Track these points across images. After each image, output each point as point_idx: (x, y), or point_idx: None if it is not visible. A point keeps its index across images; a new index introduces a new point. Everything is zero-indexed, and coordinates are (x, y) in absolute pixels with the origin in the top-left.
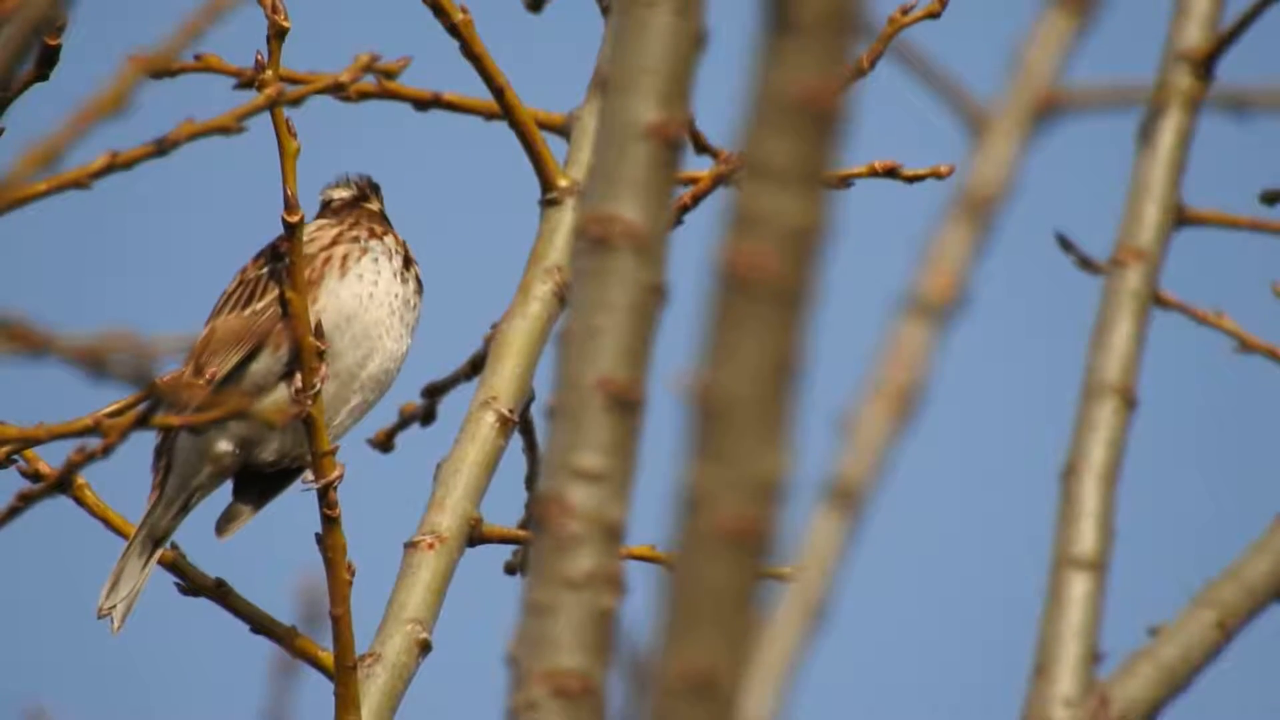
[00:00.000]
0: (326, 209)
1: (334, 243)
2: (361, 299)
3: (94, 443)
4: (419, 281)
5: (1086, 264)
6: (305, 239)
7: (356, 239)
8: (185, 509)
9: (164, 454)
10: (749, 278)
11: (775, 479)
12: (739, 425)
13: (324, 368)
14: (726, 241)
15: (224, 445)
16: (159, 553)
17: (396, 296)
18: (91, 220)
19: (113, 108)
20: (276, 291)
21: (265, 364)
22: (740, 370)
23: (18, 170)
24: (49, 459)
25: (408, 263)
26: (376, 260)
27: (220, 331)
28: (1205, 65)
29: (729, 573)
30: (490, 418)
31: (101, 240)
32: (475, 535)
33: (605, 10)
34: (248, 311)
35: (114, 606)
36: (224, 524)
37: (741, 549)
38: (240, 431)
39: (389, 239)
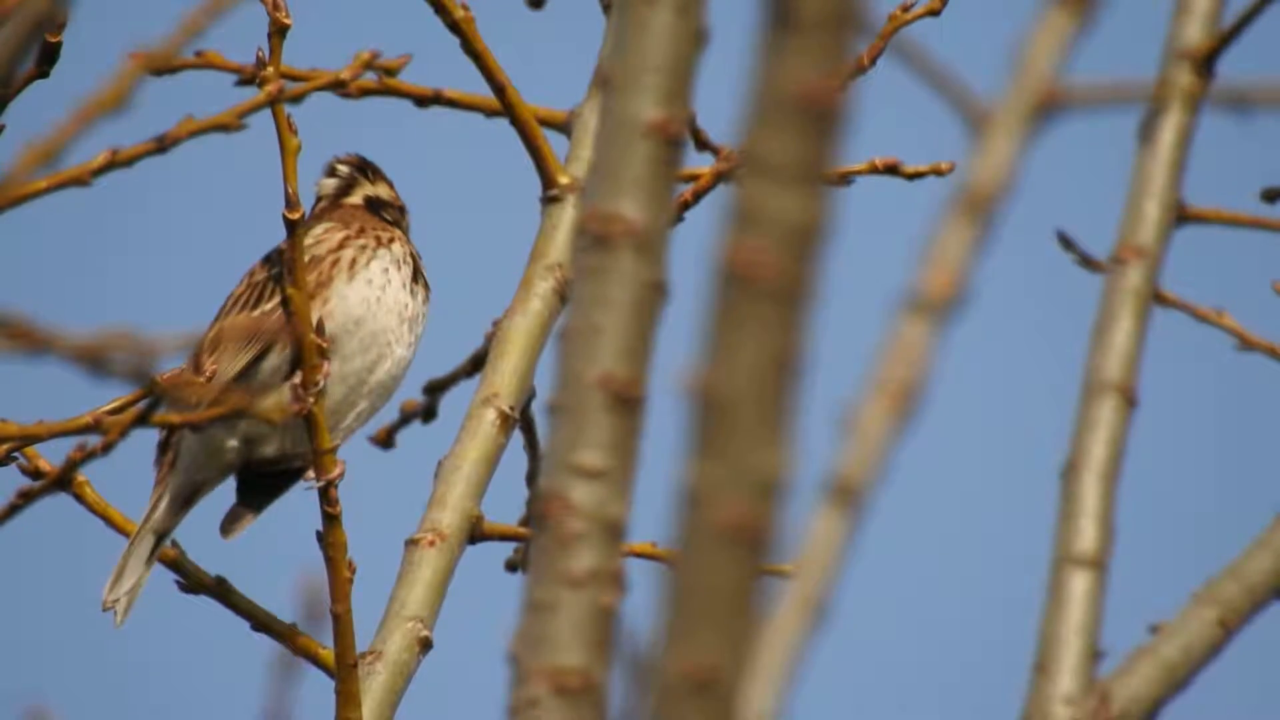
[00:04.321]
0: (319, 203)
1: (341, 245)
2: (369, 303)
3: (94, 440)
4: (427, 293)
5: (1087, 262)
6: (313, 241)
7: (364, 246)
8: (188, 505)
9: (168, 450)
10: (749, 275)
11: (776, 476)
12: (740, 422)
13: (326, 365)
14: (727, 239)
15: (229, 442)
16: (161, 548)
17: (406, 307)
18: (92, 218)
19: (113, 105)
20: (277, 300)
21: (273, 364)
22: (741, 367)
23: (19, 168)
24: (49, 456)
25: (416, 275)
26: (386, 270)
27: (228, 331)
28: (1206, 63)
29: (729, 570)
30: (491, 415)
31: (102, 238)
32: (476, 532)
33: (606, 8)
34: (256, 313)
35: (117, 600)
36: (229, 525)
37: (742, 546)
38: (244, 429)
39: (396, 246)
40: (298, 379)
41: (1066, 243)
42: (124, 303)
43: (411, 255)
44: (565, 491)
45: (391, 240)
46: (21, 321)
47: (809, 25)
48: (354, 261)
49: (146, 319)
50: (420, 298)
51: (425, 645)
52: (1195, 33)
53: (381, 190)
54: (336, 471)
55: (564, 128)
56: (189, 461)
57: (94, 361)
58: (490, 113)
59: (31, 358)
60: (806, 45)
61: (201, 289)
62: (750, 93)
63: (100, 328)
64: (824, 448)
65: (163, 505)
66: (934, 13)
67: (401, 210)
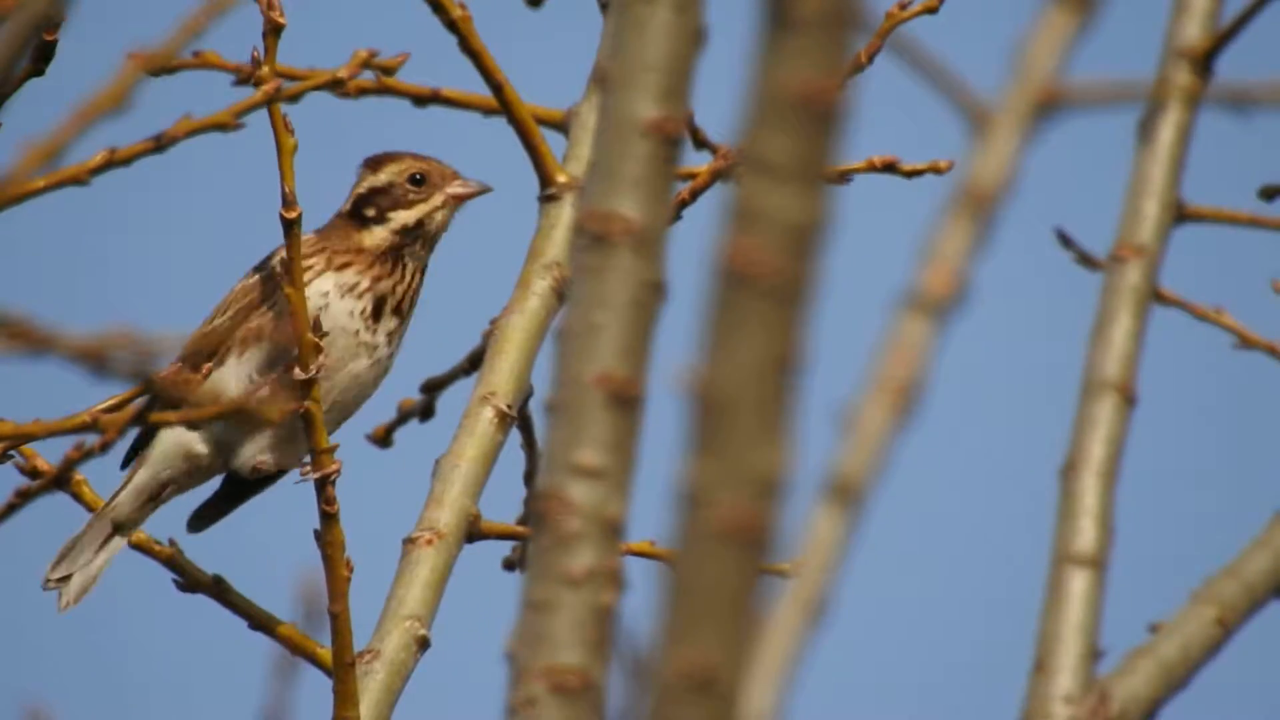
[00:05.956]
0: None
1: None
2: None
3: (91, 439)
4: (398, 325)
5: (1086, 260)
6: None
7: (310, 267)
8: (153, 501)
9: (145, 442)
10: (748, 273)
11: (775, 475)
12: (739, 421)
13: (320, 359)
14: (726, 237)
15: (199, 446)
16: (120, 541)
17: (356, 334)
18: (90, 217)
19: (113, 105)
20: (248, 299)
21: (232, 369)
22: (740, 366)
23: (19, 168)
24: (47, 455)
25: (378, 313)
26: (326, 293)
27: (191, 340)
28: (1205, 62)
29: (729, 569)
30: (489, 413)
31: (101, 237)
32: (474, 531)
33: (603, 6)
34: (217, 320)
35: (63, 580)
36: (197, 521)
37: (741, 545)
38: (216, 433)
39: (349, 273)
40: (296, 373)
41: (1065, 241)
42: (122, 302)
43: (373, 289)
44: (564, 490)
45: (345, 265)
46: (23, 321)
47: (808, 24)
48: None
49: (144, 318)
50: (380, 331)
51: (423, 644)
52: (1194, 31)
53: (382, 176)
54: (333, 468)
55: (562, 126)
56: (158, 458)
57: (95, 361)
58: (488, 111)
59: (32, 357)
60: (805, 44)
61: (200, 288)
62: (749, 91)
63: (101, 327)
64: (823, 446)
65: (125, 495)
66: (931, 10)
67: (417, 180)
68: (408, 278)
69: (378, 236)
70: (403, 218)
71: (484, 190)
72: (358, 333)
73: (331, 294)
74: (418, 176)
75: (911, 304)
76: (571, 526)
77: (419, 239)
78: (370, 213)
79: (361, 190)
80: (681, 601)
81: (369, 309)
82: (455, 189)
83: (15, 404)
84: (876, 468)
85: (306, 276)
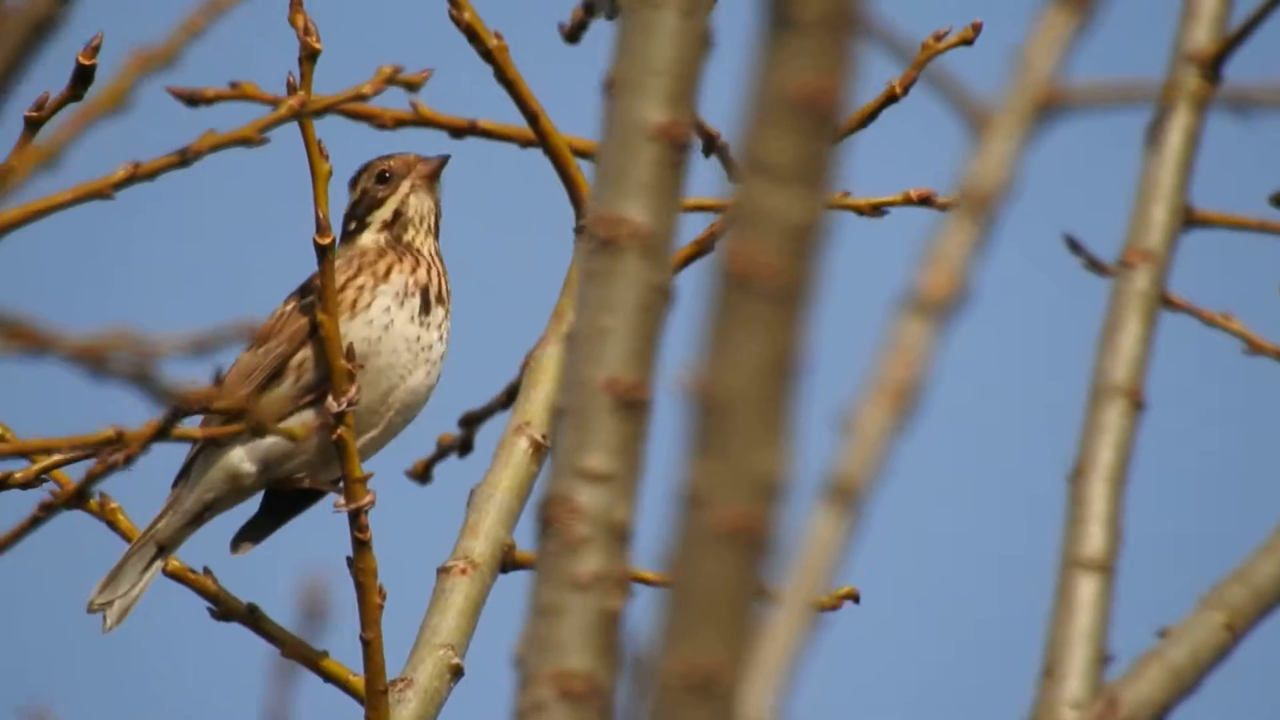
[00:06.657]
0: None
1: (342, 289)
2: (370, 341)
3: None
4: (446, 312)
5: (1094, 265)
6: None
7: (362, 286)
8: (197, 521)
9: (189, 465)
10: (749, 275)
11: (775, 477)
12: (739, 423)
13: (355, 389)
14: (727, 239)
15: (245, 465)
16: (163, 561)
17: (417, 339)
18: (102, 222)
19: (112, 105)
20: (292, 329)
21: (289, 388)
22: (740, 368)
23: (19, 168)
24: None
25: (426, 303)
26: (388, 308)
27: (235, 369)
28: (1213, 66)
29: (729, 570)
30: (524, 443)
31: (109, 243)
32: (508, 561)
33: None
34: (261, 350)
35: (108, 604)
36: (239, 542)
37: (741, 547)
38: (263, 453)
39: (396, 277)
40: (330, 404)
41: (1074, 246)
42: (136, 310)
43: (416, 282)
44: (571, 495)
45: (389, 271)
46: (21, 321)
47: (809, 25)
48: (355, 303)
49: (154, 323)
50: (433, 325)
51: (456, 673)
52: (1202, 35)
53: (356, 190)
54: (367, 500)
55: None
56: (202, 480)
57: (94, 361)
58: (524, 143)
59: (31, 358)
60: (806, 45)
61: (212, 295)
62: (750, 92)
63: (100, 328)
64: (824, 447)
65: (169, 518)
66: (967, 42)
67: (384, 178)
68: (425, 265)
69: (368, 240)
70: (379, 215)
71: (443, 160)
72: (418, 338)
73: (393, 307)
74: (385, 174)
75: (911, 305)
76: (579, 531)
77: (407, 225)
78: (353, 226)
79: (345, 211)
80: (681, 602)
81: (418, 304)
82: (419, 170)
83: (27, 409)
84: (876, 470)
85: (365, 297)
